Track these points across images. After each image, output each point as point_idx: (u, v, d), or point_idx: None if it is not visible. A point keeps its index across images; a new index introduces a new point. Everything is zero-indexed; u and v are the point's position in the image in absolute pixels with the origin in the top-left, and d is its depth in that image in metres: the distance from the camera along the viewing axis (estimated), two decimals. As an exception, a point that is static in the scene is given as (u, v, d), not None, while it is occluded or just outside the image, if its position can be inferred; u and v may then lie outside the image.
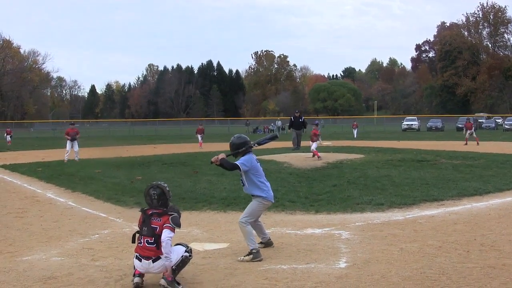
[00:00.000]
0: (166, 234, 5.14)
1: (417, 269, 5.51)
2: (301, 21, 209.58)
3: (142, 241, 5.23)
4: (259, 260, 6.02)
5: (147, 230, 5.23)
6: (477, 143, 27.89)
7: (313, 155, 17.70)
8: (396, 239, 6.92)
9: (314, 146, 18.24)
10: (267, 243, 6.70)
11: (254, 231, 6.37)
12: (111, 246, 6.93)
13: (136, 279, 5.20)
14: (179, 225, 5.28)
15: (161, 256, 5.13)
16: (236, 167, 6.20)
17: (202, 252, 6.49)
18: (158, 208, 5.34)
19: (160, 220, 5.24)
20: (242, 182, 6.45)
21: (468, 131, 29.16)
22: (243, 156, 6.33)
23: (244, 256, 6.12)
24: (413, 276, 5.27)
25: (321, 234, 7.38)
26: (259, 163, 6.46)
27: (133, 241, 5.33)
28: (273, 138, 7.09)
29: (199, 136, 31.80)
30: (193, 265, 5.87)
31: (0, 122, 73.46)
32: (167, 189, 5.43)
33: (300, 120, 22.07)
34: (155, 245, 5.16)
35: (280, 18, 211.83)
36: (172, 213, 5.31)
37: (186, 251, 5.33)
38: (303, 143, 23.47)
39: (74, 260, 6.23)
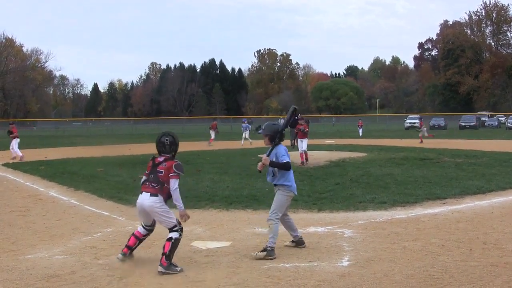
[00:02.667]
0: (172, 184, 5.65)
1: (420, 267, 5.51)
2: (305, 20, 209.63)
3: (147, 183, 5.75)
4: (272, 259, 5.97)
5: (153, 177, 5.73)
6: (421, 141, 29.48)
7: (304, 160, 16.19)
8: (398, 238, 6.91)
9: (305, 145, 16.81)
10: (298, 242, 6.52)
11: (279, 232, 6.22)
12: (114, 245, 6.93)
13: (120, 256, 5.90)
14: (182, 171, 5.77)
15: (159, 195, 5.64)
16: (288, 167, 6.09)
17: (204, 251, 6.49)
18: (168, 154, 5.86)
19: (166, 165, 5.73)
20: (271, 172, 6.26)
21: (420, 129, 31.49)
22: (275, 146, 6.19)
23: (258, 252, 6.07)
24: (416, 275, 5.26)
25: (323, 233, 7.37)
26: None
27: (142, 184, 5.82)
28: (294, 111, 6.73)
29: (212, 132, 31.93)
30: (196, 263, 5.89)
31: (3, 120, 73.61)
32: (177, 137, 6.01)
33: (296, 118, 22.11)
34: (158, 187, 5.66)
35: (284, 16, 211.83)
36: (177, 160, 5.82)
37: (176, 230, 5.64)
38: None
39: (77, 258, 6.24)
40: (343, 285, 5.02)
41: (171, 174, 5.66)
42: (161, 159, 5.82)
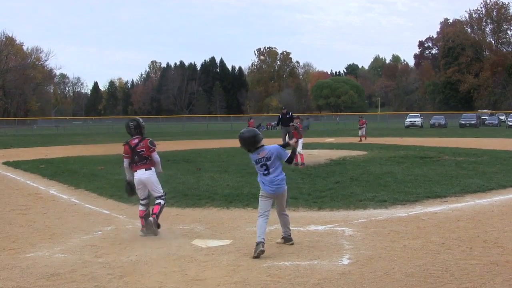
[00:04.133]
0: (155, 156, 7.28)
1: (420, 266, 5.51)
2: (306, 18, 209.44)
3: (137, 164, 7.15)
4: (259, 252, 5.96)
5: (138, 157, 7.16)
6: (365, 138, 30.81)
7: (298, 162, 15.21)
8: (399, 236, 6.91)
9: (300, 147, 15.31)
10: (286, 239, 6.62)
11: (264, 226, 6.27)
12: (114, 243, 6.93)
13: (141, 233, 7.22)
14: (155, 146, 7.33)
15: (151, 167, 7.20)
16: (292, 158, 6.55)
17: (205, 249, 6.48)
18: (136, 136, 7.24)
19: (142, 144, 7.19)
20: (267, 171, 6.30)
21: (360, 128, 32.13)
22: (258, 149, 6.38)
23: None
24: (416, 273, 5.26)
25: (324, 231, 7.37)
26: None
27: (131, 168, 7.26)
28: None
29: None
30: (196, 261, 5.89)
31: (3, 119, 73.64)
32: (141, 121, 7.45)
33: (288, 116, 21.97)
34: (147, 162, 7.17)
35: (285, 15, 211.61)
36: (148, 138, 7.29)
37: (162, 199, 7.28)
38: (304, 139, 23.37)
39: (77, 257, 6.24)
40: (344, 284, 5.02)
41: (150, 150, 7.18)
42: (135, 141, 7.19)
